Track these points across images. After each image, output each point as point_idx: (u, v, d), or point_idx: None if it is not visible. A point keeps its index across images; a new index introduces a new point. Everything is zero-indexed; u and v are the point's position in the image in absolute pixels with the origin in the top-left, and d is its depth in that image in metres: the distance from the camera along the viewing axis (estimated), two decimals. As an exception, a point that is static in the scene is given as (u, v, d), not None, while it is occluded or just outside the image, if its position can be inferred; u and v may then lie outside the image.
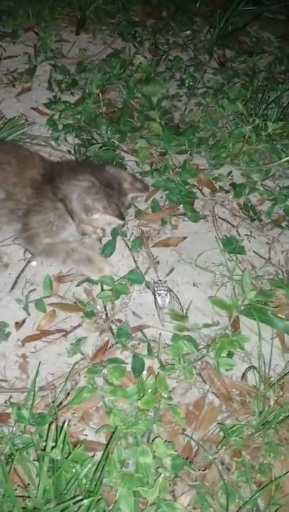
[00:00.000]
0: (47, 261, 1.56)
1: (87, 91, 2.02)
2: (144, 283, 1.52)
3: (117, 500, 1.06)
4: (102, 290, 1.50)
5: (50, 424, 1.06)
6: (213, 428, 1.30)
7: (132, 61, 2.25)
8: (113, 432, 1.14)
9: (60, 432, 1.01)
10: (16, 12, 2.40)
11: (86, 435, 1.24)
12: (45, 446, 0.96)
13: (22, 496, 0.99)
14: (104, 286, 1.51)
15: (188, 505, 1.15)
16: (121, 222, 1.52)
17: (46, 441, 0.96)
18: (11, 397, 1.29)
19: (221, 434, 1.28)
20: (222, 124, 2.05)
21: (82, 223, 1.51)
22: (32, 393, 1.23)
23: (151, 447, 1.16)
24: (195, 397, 1.36)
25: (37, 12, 2.43)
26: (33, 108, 2.03)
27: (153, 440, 1.16)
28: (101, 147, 1.79)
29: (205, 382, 1.39)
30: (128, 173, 1.65)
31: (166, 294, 1.50)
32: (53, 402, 1.26)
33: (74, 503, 0.91)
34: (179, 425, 1.27)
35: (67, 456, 1.01)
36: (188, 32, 2.67)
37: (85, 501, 0.90)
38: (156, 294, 1.51)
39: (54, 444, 0.98)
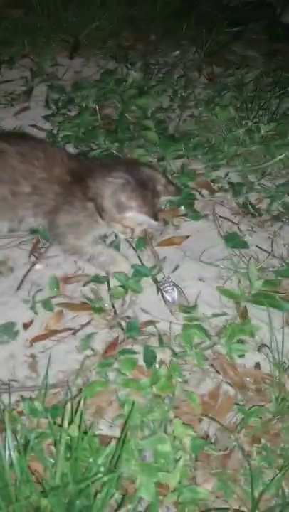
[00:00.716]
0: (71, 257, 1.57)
1: (83, 105, 2.08)
2: (150, 277, 1.52)
3: (137, 489, 1.02)
4: (109, 289, 1.50)
5: (65, 404, 1.02)
6: (229, 417, 1.27)
7: (125, 79, 2.33)
8: (126, 420, 1.11)
9: (76, 410, 0.98)
10: (12, 41, 2.51)
11: (101, 429, 1.21)
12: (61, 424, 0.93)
13: (39, 483, 0.95)
14: (115, 282, 1.51)
15: (210, 492, 1.11)
16: (155, 223, 1.49)
17: (62, 419, 0.94)
18: (22, 396, 1.26)
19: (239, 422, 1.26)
20: (215, 131, 2.10)
21: (112, 221, 1.49)
22: (43, 391, 1.20)
23: (169, 436, 1.13)
24: (209, 388, 1.34)
25: (32, 41, 2.54)
26: (31, 125, 2.08)
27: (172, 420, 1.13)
28: (101, 152, 1.83)
29: (218, 372, 1.37)
30: (162, 175, 1.61)
31: (172, 289, 1.50)
32: (67, 394, 1.23)
33: (93, 482, 0.87)
34: (195, 415, 1.25)
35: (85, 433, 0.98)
36: (176, 52, 2.77)
37: (105, 478, 0.86)
38: (164, 292, 1.50)
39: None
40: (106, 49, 2.66)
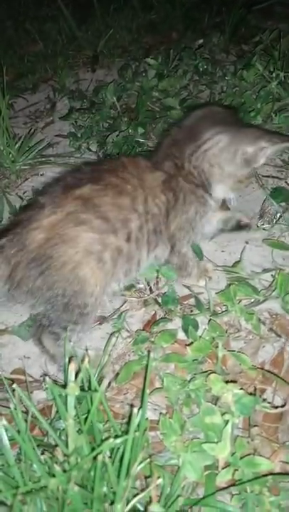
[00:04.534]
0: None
1: (101, 99, 2.01)
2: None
3: (180, 466, 0.81)
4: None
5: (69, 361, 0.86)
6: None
7: (144, 70, 2.24)
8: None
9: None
10: (34, 70, 2.57)
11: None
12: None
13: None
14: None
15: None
16: None
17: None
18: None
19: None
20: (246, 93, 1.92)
21: (240, 182, 1.22)
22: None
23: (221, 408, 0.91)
24: (271, 356, 1.10)
25: (53, 67, 2.58)
26: (56, 135, 2.05)
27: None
28: (118, 135, 1.73)
29: (279, 335, 1.13)
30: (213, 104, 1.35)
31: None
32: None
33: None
34: (254, 384, 1.02)
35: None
36: (200, 41, 2.65)
37: (118, 441, 0.68)
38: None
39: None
40: (127, 54, 2.62)
